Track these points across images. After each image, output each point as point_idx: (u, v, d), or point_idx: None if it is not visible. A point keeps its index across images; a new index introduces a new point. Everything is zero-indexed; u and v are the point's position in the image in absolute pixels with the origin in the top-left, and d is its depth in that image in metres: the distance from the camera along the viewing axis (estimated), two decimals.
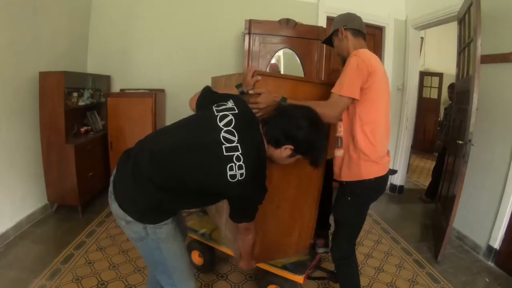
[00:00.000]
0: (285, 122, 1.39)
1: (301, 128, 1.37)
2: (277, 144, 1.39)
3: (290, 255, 2.20)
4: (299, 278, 2.01)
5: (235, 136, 1.30)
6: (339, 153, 1.84)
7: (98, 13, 3.97)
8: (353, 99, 1.67)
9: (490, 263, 2.83)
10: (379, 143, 1.74)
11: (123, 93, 3.90)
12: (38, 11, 3.07)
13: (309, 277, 2.26)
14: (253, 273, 2.53)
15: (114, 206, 1.39)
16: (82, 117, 3.84)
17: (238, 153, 1.27)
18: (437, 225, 3.23)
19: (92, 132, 3.77)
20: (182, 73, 3.39)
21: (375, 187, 1.81)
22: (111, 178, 1.44)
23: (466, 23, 2.97)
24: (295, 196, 2.06)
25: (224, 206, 2.08)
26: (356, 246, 2.93)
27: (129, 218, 1.37)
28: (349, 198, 1.81)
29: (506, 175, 2.75)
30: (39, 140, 3.20)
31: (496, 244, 2.79)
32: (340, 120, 1.79)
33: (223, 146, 1.27)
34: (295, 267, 2.08)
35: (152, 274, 1.70)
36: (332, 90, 1.67)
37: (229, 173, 1.25)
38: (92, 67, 3.97)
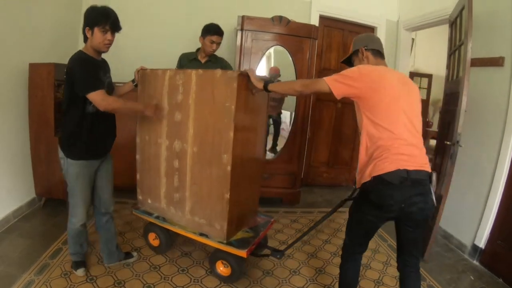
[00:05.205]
0: None
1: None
2: (85, 35, 2.05)
3: (250, 225, 2.59)
4: (242, 253, 2.23)
5: None
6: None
7: (90, 4, 3.89)
8: (356, 102, 1.77)
9: (475, 262, 2.90)
10: (383, 143, 1.68)
11: None
12: (29, 0, 3.01)
13: (255, 255, 2.54)
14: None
15: (59, 151, 2.11)
16: None
17: None
18: None
19: None
20: (174, 66, 3.40)
21: (372, 188, 1.69)
22: None
23: (458, 26, 3.01)
24: (252, 172, 2.52)
25: (184, 201, 2.45)
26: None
27: (61, 154, 2.09)
28: (358, 195, 1.87)
29: (492, 176, 2.82)
30: (27, 132, 3.15)
31: (481, 243, 2.86)
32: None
33: None
34: (239, 243, 2.32)
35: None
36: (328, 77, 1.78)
37: None
38: None
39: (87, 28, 2.01)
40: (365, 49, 1.93)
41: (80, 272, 2.30)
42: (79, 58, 2.00)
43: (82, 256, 2.37)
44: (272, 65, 4.01)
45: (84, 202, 2.18)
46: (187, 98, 2.28)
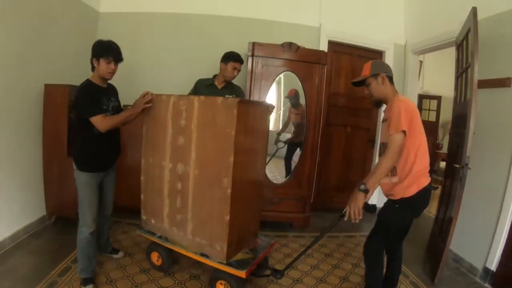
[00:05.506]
0: None
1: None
2: (93, 65, 2.34)
3: (250, 246, 2.62)
4: (241, 273, 2.27)
5: None
6: (394, 179, 2.16)
7: (105, 27, 4.04)
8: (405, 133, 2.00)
9: (487, 285, 2.83)
10: (422, 164, 2.10)
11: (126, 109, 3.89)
12: (46, 23, 3.16)
13: (256, 275, 2.59)
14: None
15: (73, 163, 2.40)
16: None
17: None
18: (433, 247, 3.23)
19: None
20: (186, 91, 3.45)
21: (418, 198, 2.10)
22: None
23: (464, 49, 3.05)
24: (252, 194, 2.57)
25: (186, 222, 2.48)
26: (353, 268, 2.97)
27: (74, 166, 2.38)
28: (397, 205, 2.15)
29: (502, 198, 2.78)
30: (41, 151, 3.23)
31: (493, 266, 2.80)
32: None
33: None
34: (239, 264, 2.35)
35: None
36: (390, 132, 2.01)
37: None
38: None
39: (94, 59, 2.33)
40: (385, 75, 2.19)
41: None
42: (83, 86, 2.33)
43: (91, 273, 2.41)
44: (282, 91, 4.05)
45: (91, 209, 2.41)
46: (190, 123, 2.37)
